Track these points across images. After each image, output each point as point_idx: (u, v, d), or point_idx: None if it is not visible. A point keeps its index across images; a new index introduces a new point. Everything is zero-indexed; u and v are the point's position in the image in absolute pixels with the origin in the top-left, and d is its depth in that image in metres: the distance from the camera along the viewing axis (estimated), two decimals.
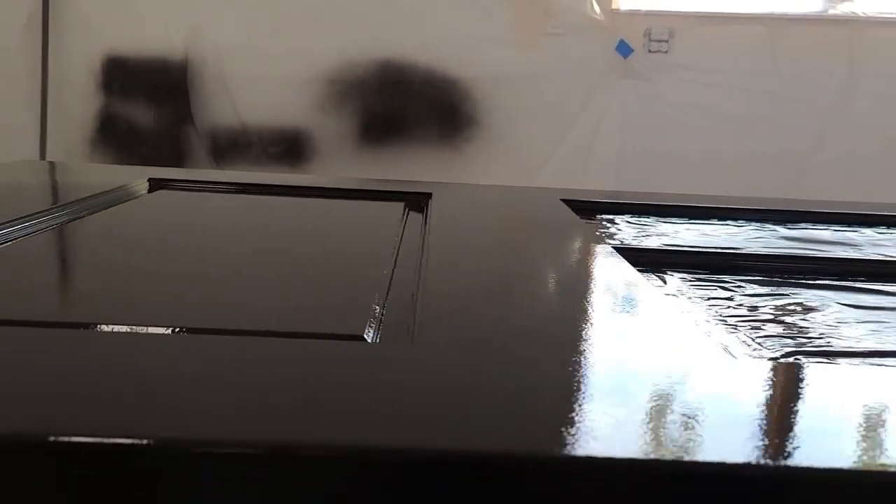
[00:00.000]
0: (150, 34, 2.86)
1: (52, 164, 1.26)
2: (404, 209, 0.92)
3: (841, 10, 2.78)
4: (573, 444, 0.30)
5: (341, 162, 2.85)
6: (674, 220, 0.98)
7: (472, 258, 0.65)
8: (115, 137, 2.91)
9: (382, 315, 0.50)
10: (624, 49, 2.80)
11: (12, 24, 2.85)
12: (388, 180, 1.14)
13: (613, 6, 2.81)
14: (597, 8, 2.78)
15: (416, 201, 0.96)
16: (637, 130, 2.84)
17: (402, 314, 0.50)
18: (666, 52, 2.83)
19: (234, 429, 0.30)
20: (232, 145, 2.89)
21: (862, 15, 2.76)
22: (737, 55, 2.82)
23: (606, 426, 0.31)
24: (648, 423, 0.32)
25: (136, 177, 1.01)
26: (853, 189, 2.80)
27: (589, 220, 0.92)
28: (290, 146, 2.88)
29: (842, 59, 2.78)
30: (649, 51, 2.82)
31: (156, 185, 0.95)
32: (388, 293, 0.55)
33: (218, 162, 2.88)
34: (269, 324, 0.48)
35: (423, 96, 2.86)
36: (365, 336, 0.45)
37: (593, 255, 0.68)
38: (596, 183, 2.81)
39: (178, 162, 2.89)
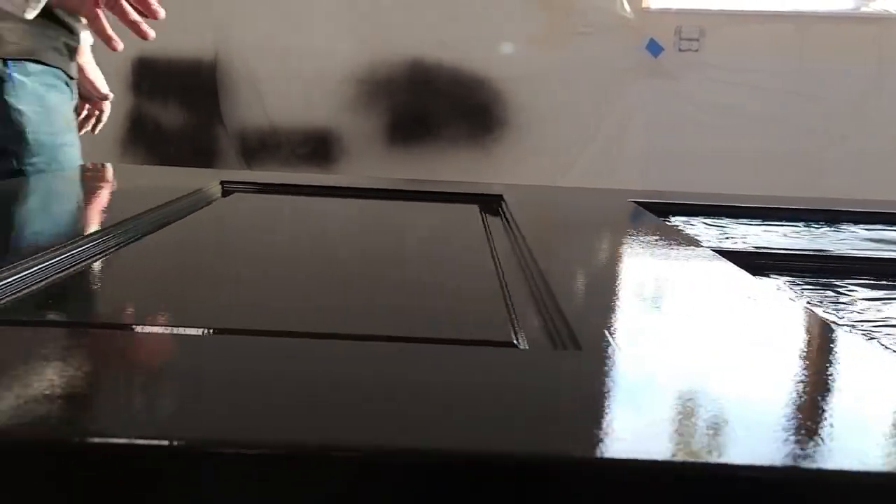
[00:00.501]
0: (179, 35, 2.85)
1: (114, 167, 1.25)
2: (480, 211, 0.91)
3: (872, 7, 2.75)
4: (796, 455, 0.28)
5: (369, 162, 2.84)
6: (747, 221, 0.97)
7: (581, 262, 0.64)
8: (144, 138, 2.90)
9: (515, 320, 0.49)
10: (654, 48, 2.78)
11: None
12: (454, 182, 1.12)
13: (644, 4, 2.79)
14: (627, 6, 2.76)
15: (489, 203, 0.95)
16: (666, 130, 2.82)
17: (539, 319, 0.49)
18: (696, 50, 2.81)
19: (442, 438, 0.29)
20: (261, 145, 2.88)
21: (893, 13, 2.73)
22: (766, 54, 2.80)
23: (818, 438, 0.30)
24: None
25: (206, 180, 1.00)
26: (883, 189, 2.79)
27: (665, 222, 0.90)
28: (318, 146, 2.87)
29: (871, 57, 2.76)
30: (679, 49, 2.81)
31: (228, 188, 0.94)
32: (510, 297, 0.53)
33: (248, 162, 2.88)
34: (412, 330, 0.46)
35: (451, 96, 2.85)
36: (515, 342, 0.44)
37: (697, 257, 0.67)
38: (626, 182, 2.79)
39: (208, 163, 2.89)
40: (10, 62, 1.24)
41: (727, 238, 0.86)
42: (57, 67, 1.29)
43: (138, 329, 0.44)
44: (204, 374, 0.35)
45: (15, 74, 1.24)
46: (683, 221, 0.93)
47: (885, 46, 2.74)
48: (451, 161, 2.81)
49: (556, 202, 0.98)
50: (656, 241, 0.72)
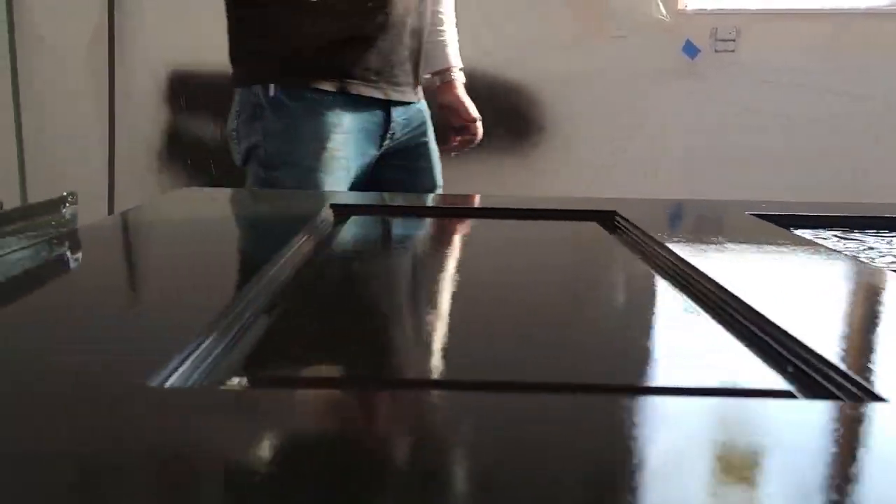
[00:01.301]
0: (214, 48, 2.81)
1: (210, 191, 1.22)
2: (603, 228, 0.88)
3: None
4: None
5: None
6: (873, 231, 0.94)
7: (776, 290, 0.60)
8: (182, 151, 2.88)
9: (764, 362, 0.45)
10: (690, 50, 2.74)
11: (78, 40, 2.82)
12: (558, 198, 1.09)
13: (679, 6, 2.75)
14: (662, 9, 2.73)
15: (605, 219, 0.92)
16: (705, 132, 2.78)
17: (778, 361, 0.45)
18: (732, 51, 2.77)
19: None
20: None
21: None
22: (803, 53, 2.76)
23: None
24: None
25: (311, 203, 0.97)
26: None
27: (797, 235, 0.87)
28: None
29: None
30: (715, 51, 2.77)
31: (341, 211, 0.91)
32: (730, 334, 0.50)
33: None
34: (670, 377, 0.43)
35: (488, 102, 2.80)
36: (792, 391, 0.40)
37: (876, 276, 0.63)
38: (668, 184, 2.77)
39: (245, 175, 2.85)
40: (274, 86, 1.34)
41: (866, 249, 0.82)
42: (329, 92, 1.34)
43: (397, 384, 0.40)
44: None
45: (280, 96, 1.34)
46: (813, 234, 0.89)
47: None
48: (491, 167, 2.78)
49: (675, 216, 0.94)
50: (824, 259, 0.68)
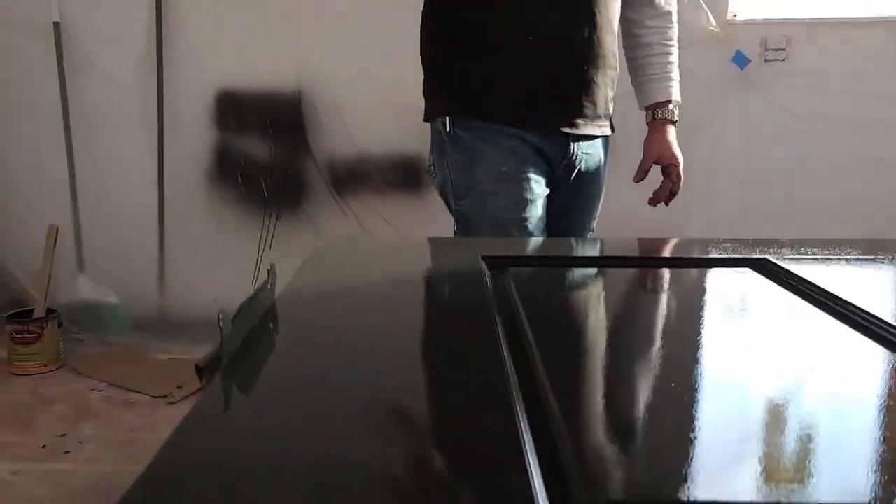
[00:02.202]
0: (261, 67, 2.79)
1: (351, 239, 1.19)
2: (759, 275, 0.84)
3: None
4: None
5: None
6: None
7: None
8: (232, 170, 2.84)
9: None
10: (741, 60, 2.70)
11: (127, 63, 2.79)
12: (695, 240, 1.05)
13: (728, 17, 2.71)
14: (712, 19, 2.68)
15: (758, 266, 0.87)
16: (759, 141, 2.74)
17: None
18: (783, 60, 2.72)
19: None
20: (351, 175, 2.81)
21: None
22: (855, 60, 2.71)
23: None
24: None
25: (459, 253, 0.93)
26: None
27: None
28: (407, 172, 2.80)
29: None
30: (766, 60, 2.72)
31: (492, 262, 0.86)
32: None
33: (339, 192, 2.81)
34: None
35: None
36: None
37: None
38: (727, 195, 2.72)
39: (299, 195, 2.82)
40: (450, 119, 1.41)
41: None
42: (501, 123, 1.38)
43: None
44: None
45: (456, 130, 1.40)
46: None
47: None
48: None
49: (836, 264, 0.90)
50: None
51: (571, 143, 1.43)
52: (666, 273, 0.85)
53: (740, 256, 0.90)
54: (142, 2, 2.75)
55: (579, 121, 1.42)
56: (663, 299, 0.80)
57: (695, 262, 0.88)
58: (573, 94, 1.41)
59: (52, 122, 2.78)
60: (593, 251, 0.97)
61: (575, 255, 0.94)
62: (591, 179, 1.51)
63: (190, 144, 2.84)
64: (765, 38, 2.71)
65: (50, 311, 2.62)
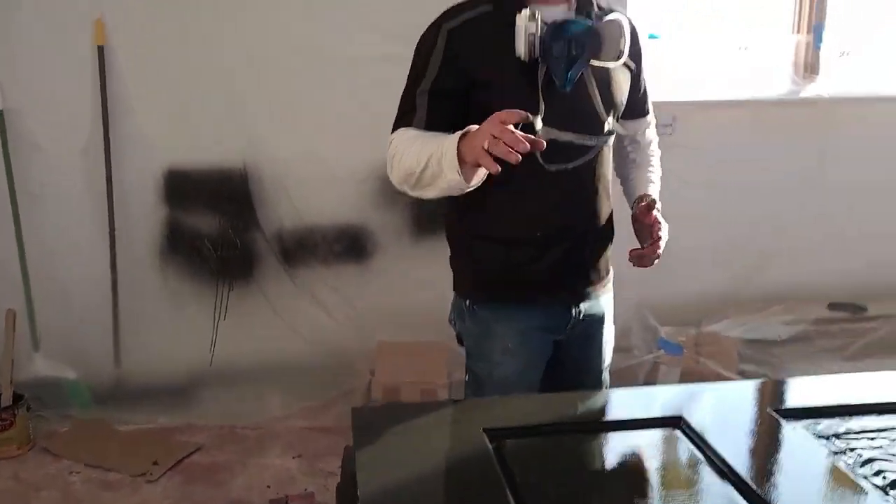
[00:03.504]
0: (209, 146, 2.89)
1: (385, 407, 1.45)
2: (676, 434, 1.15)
3: (809, 91, 3.15)
4: None
5: (401, 252, 2.99)
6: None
7: None
8: (183, 247, 2.93)
9: None
10: None
11: (74, 144, 2.82)
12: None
13: None
14: None
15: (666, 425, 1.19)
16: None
17: None
18: (671, 134, 3.11)
19: None
20: (299, 246, 2.97)
21: (827, 96, 3.13)
22: (728, 133, 3.14)
23: None
24: None
25: (456, 421, 1.20)
26: (830, 243, 3.21)
27: None
28: (352, 242, 2.99)
29: (814, 133, 3.15)
30: (656, 135, 3.10)
31: (495, 435, 1.14)
32: None
33: (289, 263, 2.96)
34: None
35: None
36: None
37: None
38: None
39: (250, 266, 2.95)
40: (470, 300, 1.63)
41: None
42: (514, 303, 1.59)
43: None
44: None
45: (475, 307, 1.62)
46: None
47: (825, 123, 3.14)
48: None
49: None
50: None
51: (577, 309, 1.63)
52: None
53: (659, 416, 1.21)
54: (86, 88, 2.78)
55: (585, 291, 1.64)
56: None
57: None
58: (580, 273, 1.62)
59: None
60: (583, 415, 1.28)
61: (574, 421, 1.24)
62: (597, 325, 1.70)
63: (140, 222, 2.90)
64: (655, 116, 3.08)
65: (16, 395, 2.64)
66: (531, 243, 1.57)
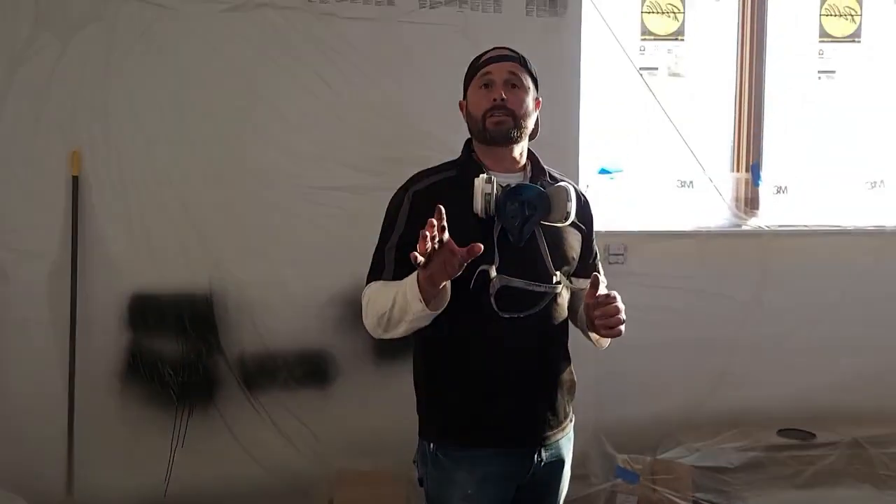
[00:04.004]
0: (175, 272, 2.92)
1: None
2: None
3: (750, 224, 3.32)
4: None
5: (362, 378, 2.99)
6: None
7: None
8: (144, 371, 2.90)
9: None
10: None
11: (41, 271, 2.83)
12: None
13: None
14: None
15: None
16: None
17: None
18: (622, 263, 3.23)
19: None
20: (261, 371, 2.96)
21: (766, 228, 3.30)
22: (675, 263, 3.27)
23: None
24: None
25: None
26: (776, 367, 3.30)
27: None
28: (313, 368, 2.99)
29: (756, 262, 3.30)
30: (609, 263, 3.21)
31: None
32: None
33: (250, 388, 2.94)
34: None
35: None
36: None
37: None
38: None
39: (210, 391, 2.92)
40: (434, 444, 1.67)
41: None
42: (474, 448, 1.64)
43: None
44: None
45: (437, 453, 1.66)
46: None
47: (764, 254, 3.29)
48: None
49: None
50: None
51: (537, 455, 1.68)
52: None
53: None
54: (58, 216, 2.83)
55: (545, 435, 1.69)
56: None
57: None
58: (538, 419, 1.68)
59: None
60: None
61: None
62: (557, 471, 1.74)
63: (102, 346, 2.89)
64: (608, 245, 3.20)
65: None
66: (488, 389, 1.63)
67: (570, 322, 1.79)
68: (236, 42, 2.89)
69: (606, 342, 1.76)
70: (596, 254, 1.90)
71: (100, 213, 2.86)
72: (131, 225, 2.88)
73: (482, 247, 1.41)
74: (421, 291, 1.47)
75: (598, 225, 3.12)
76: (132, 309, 2.91)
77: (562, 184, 1.65)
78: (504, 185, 1.61)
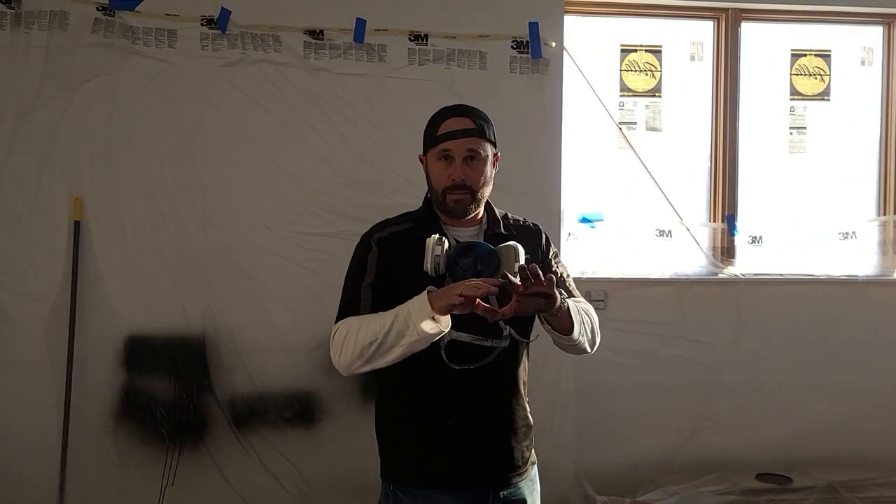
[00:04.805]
0: (169, 315, 2.97)
1: None
2: None
3: (727, 272, 3.36)
4: None
5: (348, 419, 3.01)
6: None
7: None
8: (137, 410, 2.93)
9: None
10: None
11: (41, 312, 2.88)
12: None
13: None
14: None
15: None
16: (587, 371, 3.18)
17: None
18: (603, 309, 3.26)
19: None
20: (250, 412, 2.99)
21: (742, 276, 3.35)
22: (653, 308, 3.30)
23: None
24: None
25: None
26: (753, 412, 3.31)
27: None
28: (302, 409, 3.02)
29: (732, 309, 3.33)
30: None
31: None
32: None
33: (240, 428, 2.95)
34: None
35: None
36: None
37: None
38: (564, 416, 3.13)
39: (201, 432, 2.94)
40: (393, 485, 1.72)
41: None
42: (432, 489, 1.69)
43: None
44: None
45: (397, 492, 1.71)
46: None
47: (740, 300, 3.33)
48: None
49: None
50: None
51: (493, 496, 1.71)
52: None
53: None
54: (59, 259, 2.89)
55: (499, 478, 1.71)
56: None
57: None
58: (491, 463, 1.72)
59: None
60: None
61: None
62: None
63: (97, 385, 2.93)
64: (588, 291, 3.24)
65: None
66: (441, 433, 1.69)
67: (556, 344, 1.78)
68: (233, 94, 3.00)
69: (576, 330, 1.70)
70: (561, 275, 1.89)
71: (99, 257, 2.93)
72: (129, 268, 2.94)
73: (500, 314, 1.50)
74: (435, 310, 1.51)
75: (578, 271, 3.27)
76: (127, 350, 2.96)
77: (511, 243, 1.67)
78: (458, 240, 1.69)
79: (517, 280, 1.51)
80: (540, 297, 1.53)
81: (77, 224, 2.90)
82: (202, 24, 2.98)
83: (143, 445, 2.92)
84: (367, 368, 1.63)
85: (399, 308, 1.58)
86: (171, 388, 2.95)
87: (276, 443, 2.98)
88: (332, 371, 3.02)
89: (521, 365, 1.78)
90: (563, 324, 1.66)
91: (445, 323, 1.55)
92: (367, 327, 1.59)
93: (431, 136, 1.76)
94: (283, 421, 2.99)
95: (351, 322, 1.65)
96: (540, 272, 1.51)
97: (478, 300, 1.48)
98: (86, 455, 2.88)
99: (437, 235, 1.65)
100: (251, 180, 3.00)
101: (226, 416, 2.97)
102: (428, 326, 1.52)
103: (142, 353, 2.95)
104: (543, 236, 1.88)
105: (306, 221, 3.02)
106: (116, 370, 2.94)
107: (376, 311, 1.64)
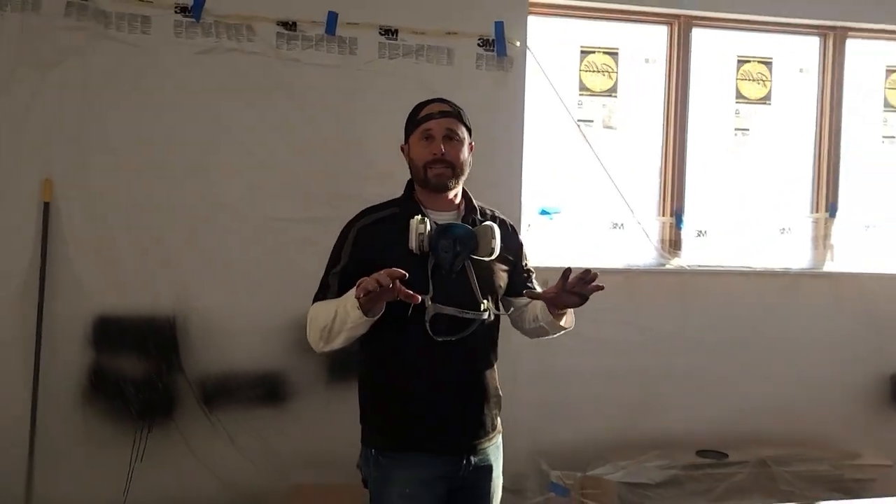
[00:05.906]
0: (139, 296, 2.94)
1: None
2: None
3: (673, 263, 3.47)
4: None
5: (316, 397, 3.02)
6: None
7: None
8: (106, 389, 2.90)
9: None
10: None
11: (7, 291, 2.81)
12: None
13: None
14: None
15: None
16: (543, 354, 3.24)
17: None
18: None
19: None
20: (220, 390, 2.99)
21: (688, 268, 3.46)
22: (606, 296, 3.36)
23: None
24: None
25: None
26: (695, 394, 3.42)
27: None
28: (270, 388, 3.02)
29: (678, 298, 3.44)
30: None
31: None
32: None
33: (209, 406, 2.93)
34: None
35: None
36: None
37: None
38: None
39: (170, 409, 2.91)
40: (375, 450, 1.78)
41: None
42: (412, 452, 1.74)
43: None
44: None
45: (378, 457, 1.76)
46: None
47: (686, 289, 3.44)
48: None
49: None
50: None
51: (467, 459, 1.80)
52: None
53: None
54: (28, 240, 2.82)
55: (473, 442, 1.81)
56: None
57: None
58: (467, 427, 1.81)
59: None
60: None
61: None
62: (485, 476, 1.85)
63: (66, 364, 2.90)
64: (546, 280, 3.27)
65: None
66: (424, 402, 1.77)
67: (527, 331, 2.00)
68: (206, 82, 2.99)
69: (567, 320, 1.94)
70: (529, 271, 2.05)
71: (69, 238, 2.89)
72: (99, 250, 2.91)
73: (419, 298, 1.60)
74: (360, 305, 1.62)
75: (538, 260, 3.32)
76: (97, 330, 2.93)
77: (487, 223, 1.80)
78: (438, 223, 1.77)
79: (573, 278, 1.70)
80: (580, 297, 1.76)
81: (47, 205, 2.84)
82: (176, 12, 2.95)
83: (113, 423, 2.91)
84: (329, 349, 1.75)
85: (344, 297, 1.69)
86: (141, 368, 2.93)
87: (246, 420, 3.00)
88: (302, 351, 3.10)
89: (495, 340, 1.89)
90: (564, 317, 1.89)
91: (376, 310, 1.64)
92: (321, 315, 1.72)
93: (413, 121, 1.87)
94: (252, 399, 3.01)
95: (317, 307, 1.78)
96: (594, 280, 1.74)
97: (399, 286, 1.56)
98: (55, 433, 2.84)
99: (420, 216, 1.74)
100: (223, 166, 3.01)
101: (195, 395, 2.96)
102: (357, 315, 1.63)
103: (111, 332, 2.93)
104: (517, 230, 2.01)
105: (276, 207, 3.03)
106: (85, 349, 2.91)
107: (342, 295, 1.74)
